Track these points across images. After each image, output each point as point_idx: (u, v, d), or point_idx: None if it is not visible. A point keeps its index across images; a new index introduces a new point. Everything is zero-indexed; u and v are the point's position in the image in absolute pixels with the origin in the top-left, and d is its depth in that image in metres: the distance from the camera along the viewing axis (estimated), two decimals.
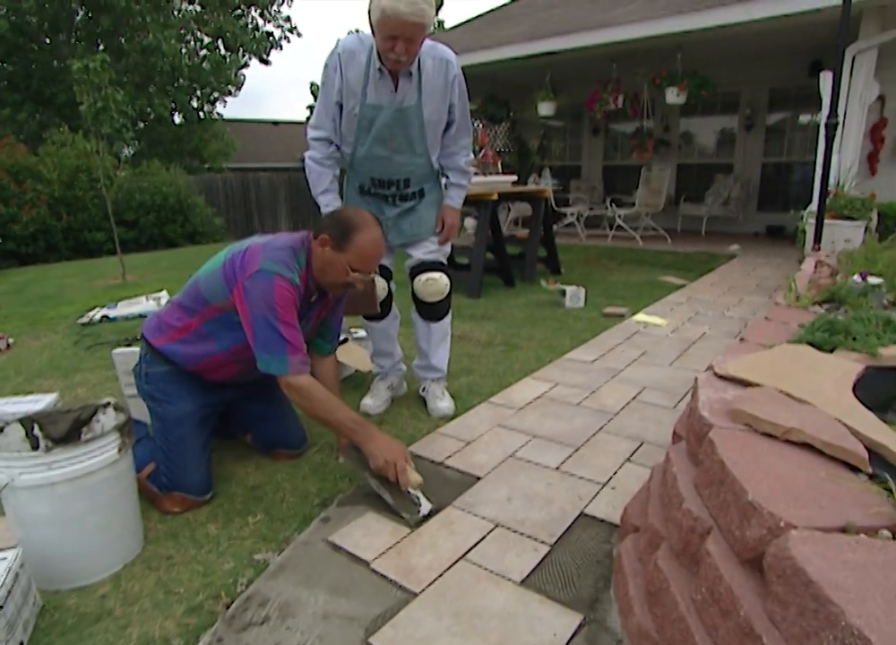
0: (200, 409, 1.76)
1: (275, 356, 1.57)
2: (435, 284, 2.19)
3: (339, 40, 1.96)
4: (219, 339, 1.69)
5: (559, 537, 1.50)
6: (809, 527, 0.82)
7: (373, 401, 2.34)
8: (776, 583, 0.78)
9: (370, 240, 1.67)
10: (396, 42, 1.78)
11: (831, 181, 4.81)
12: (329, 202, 2.10)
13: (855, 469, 0.99)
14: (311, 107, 19.93)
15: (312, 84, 18.12)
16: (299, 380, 1.59)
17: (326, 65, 1.97)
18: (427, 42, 1.91)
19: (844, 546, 0.78)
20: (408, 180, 2.12)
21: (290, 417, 2.01)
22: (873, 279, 2.11)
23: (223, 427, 2.05)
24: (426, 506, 1.60)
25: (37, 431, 1.50)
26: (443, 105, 2.04)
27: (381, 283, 2.16)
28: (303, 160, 2.12)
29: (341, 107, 2.00)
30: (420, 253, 2.22)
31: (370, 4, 1.78)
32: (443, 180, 2.26)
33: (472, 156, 2.25)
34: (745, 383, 1.34)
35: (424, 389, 2.41)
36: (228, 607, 1.30)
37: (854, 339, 1.56)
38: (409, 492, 1.62)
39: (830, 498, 0.89)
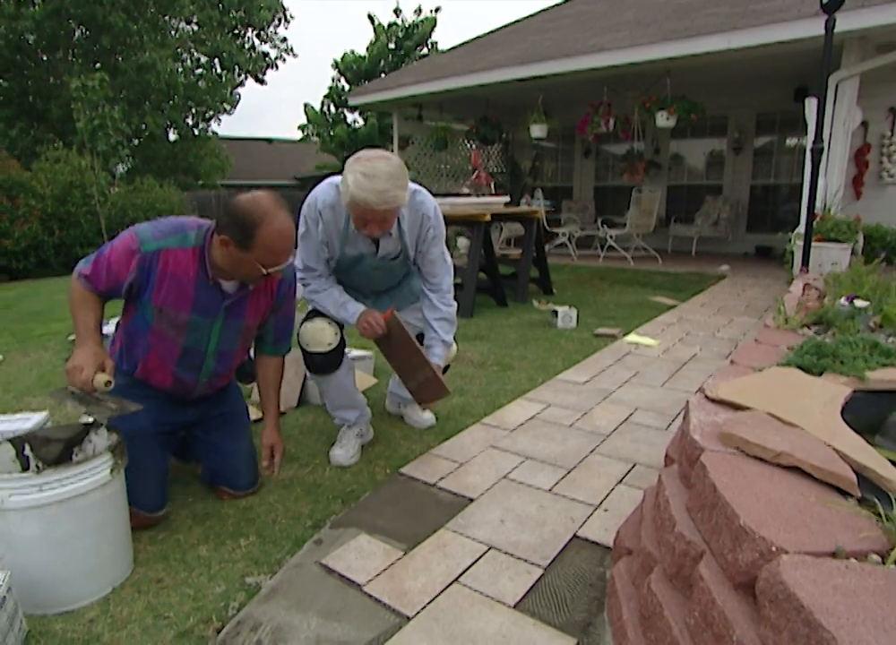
0: (154, 426, 1.72)
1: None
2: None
3: (316, 194, 1.91)
4: (139, 324, 1.69)
5: (552, 560, 1.50)
6: (800, 551, 0.83)
7: (345, 452, 2.11)
8: (768, 608, 0.79)
9: (276, 232, 1.54)
10: (368, 223, 1.76)
11: (818, 204, 4.90)
12: (355, 310, 1.97)
13: (844, 493, 1.00)
14: (303, 127, 20.05)
15: (306, 105, 18.29)
16: (75, 280, 1.61)
17: (305, 217, 1.93)
18: (410, 186, 1.82)
19: (834, 570, 0.79)
20: (387, 286, 2.20)
21: (244, 456, 1.89)
22: (859, 303, 2.14)
23: (185, 453, 1.99)
24: (124, 407, 1.54)
25: (28, 451, 1.49)
26: (415, 249, 2.04)
27: (331, 329, 2.01)
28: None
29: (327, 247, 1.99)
30: (412, 319, 2.19)
31: (342, 183, 1.75)
32: (431, 334, 2.11)
33: (455, 304, 2.14)
34: (735, 407, 1.35)
35: (401, 405, 2.44)
36: (218, 632, 1.28)
37: (842, 362, 1.59)
38: (100, 398, 1.54)
39: (820, 522, 0.90)
